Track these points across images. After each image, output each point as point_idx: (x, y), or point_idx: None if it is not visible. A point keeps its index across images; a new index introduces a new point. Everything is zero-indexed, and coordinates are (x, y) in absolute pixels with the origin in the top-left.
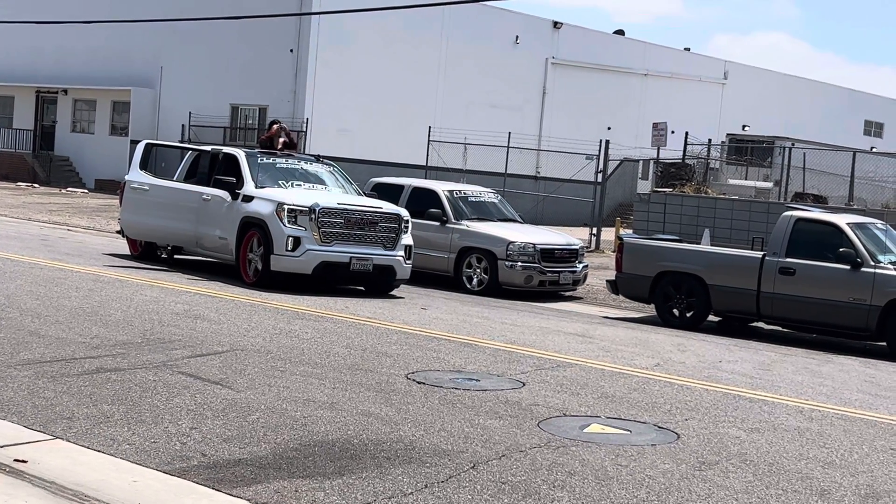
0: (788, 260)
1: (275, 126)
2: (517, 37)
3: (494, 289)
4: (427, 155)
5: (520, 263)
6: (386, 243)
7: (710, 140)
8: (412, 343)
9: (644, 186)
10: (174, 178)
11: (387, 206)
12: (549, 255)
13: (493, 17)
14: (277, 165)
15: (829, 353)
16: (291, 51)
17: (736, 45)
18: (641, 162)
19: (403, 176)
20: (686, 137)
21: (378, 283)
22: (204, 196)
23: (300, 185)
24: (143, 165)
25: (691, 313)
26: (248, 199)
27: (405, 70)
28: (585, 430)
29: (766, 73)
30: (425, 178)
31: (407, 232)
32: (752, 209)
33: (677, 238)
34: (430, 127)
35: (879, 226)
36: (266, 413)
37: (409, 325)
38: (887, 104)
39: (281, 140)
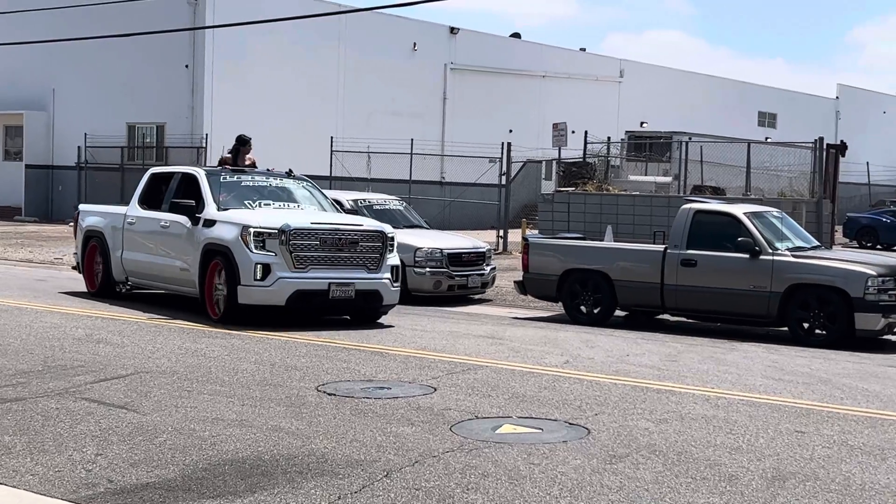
0: (689, 252)
1: (247, 144)
2: (415, 44)
3: (404, 295)
4: (331, 165)
5: (428, 269)
6: (369, 265)
7: (609, 138)
8: (321, 355)
9: (548, 187)
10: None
11: (368, 223)
12: (456, 259)
13: (390, 25)
14: (243, 183)
15: (734, 341)
16: (187, 66)
17: (631, 43)
18: (544, 162)
19: None
20: (586, 136)
21: (363, 310)
22: (162, 223)
23: (269, 205)
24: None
25: (598, 310)
26: (210, 223)
27: (304, 81)
28: (497, 431)
29: (662, 69)
30: (329, 188)
31: (393, 251)
32: (653, 204)
33: (581, 236)
34: (332, 137)
35: (776, 214)
36: (173, 434)
37: (318, 338)
38: (779, 95)
39: (248, 157)
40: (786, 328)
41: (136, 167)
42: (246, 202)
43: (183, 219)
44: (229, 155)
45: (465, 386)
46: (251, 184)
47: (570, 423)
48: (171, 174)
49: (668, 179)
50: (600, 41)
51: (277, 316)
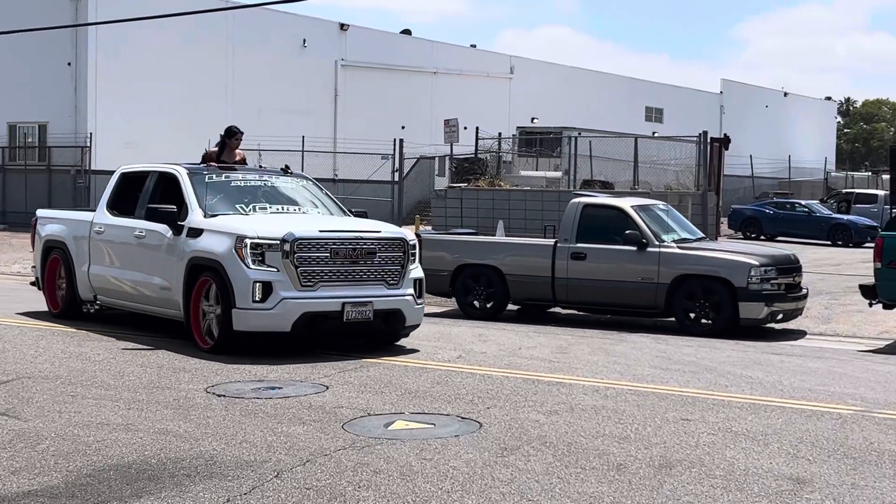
0: (579, 245)
1: (236, 137)
2: (304, 40)
3: None
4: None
5: None
6: (389, 279)
7: (500, 134)
8: (210, 356)
9: (441, 183)
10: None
11: (386, 229)
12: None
13: (280, 22)
14: (233, 184)
15: (623, 333)
16: (69, 64)
17: (521, 40)
18: (437, 159)
19: None
20: (477, 132)
21: (382, 332)
22: (136, 232)
23: (265, 209)
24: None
25: (491, 304)
26: (196, 232)
27: (193, 78)
28: (390, 428)
29: (551, 66)
30: None
31: (415, 261)
32: (545, 199)
33: (474, 231)
34: (221, 135)
35: (661, 207)
36: (57, 440)
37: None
38: (665, 90)
39: (237, 152)
40: (673, 318)
41: (17, 168)
42: (238, 206)
43: (162, 227)
44: (215, 149)
45: (357, 383)
46: (242, 184)
47: (462, 418)
48: (146, 173)
49: (559, 174)
50: (492, 38)
51: (281, 344)
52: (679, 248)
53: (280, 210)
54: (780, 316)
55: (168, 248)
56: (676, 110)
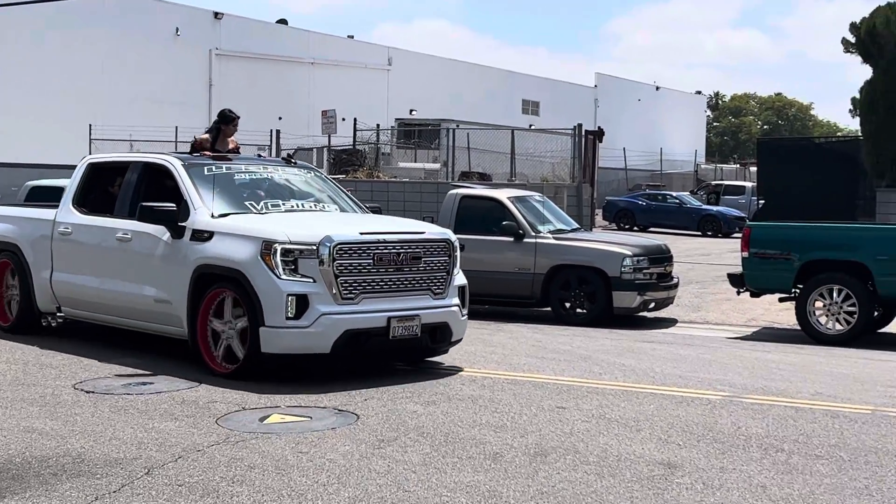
0: (458, 236)
1: (233, 122)
2: (177, 29)
3: None
4: (90, 153)
5: None
6: (435, 287)
7: (378, 125)
8: (78, 351)
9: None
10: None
11: (430, 229)
12: None
13: (152, 9)
14: (237, 177)
15: (501, 323)
16: None
17: (400, 32)
18: (315, 150)
19: (66, 178)
20: (355, 124)
21: (425, 350)
22: (119, 234)
23: (278, 206)
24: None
25: None
26: (204, 235)
27: (61, 66)
28: (265, 422)
29: (430, 58)
30: None
31: (457, 265)
32: (423, 190)
33: None
34: (90, 125)
35: (537, 198)
36: None
37: (83, 333)
38: (542, 83)
39: (231, 140)
40: (549, 308)
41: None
42: (248, 204)
43: (157, 229)
44: (206, 136)
45: (232, 377)
46: (247, 177)
47: (339, 410)
48: (123, 165)
49: (437, 166)
50: (370, 30)
51: (317, 365)
52: (555, 238)
53: (295, 207)
54: (652, 304)
55: (165, 253)
56: (553, 103)
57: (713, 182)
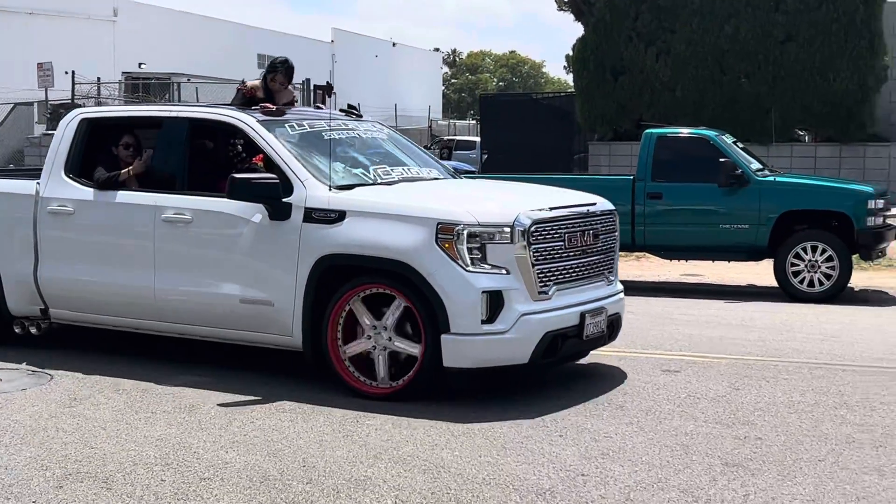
0: None
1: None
2: None
3: None
4: None
5: None
6: (608, 271)
7: (99, 79)
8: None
9: (41, 130)
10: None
11: (600, 200)
12: None
13: None
14: (325, 136)
15: None
16: None
17: None
18: (37, 104)
19: None
20: (73, 77)
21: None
22: (170, 214)
23: (389, 174)
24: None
25: None
26: (329, 216)
27: None
28: None
29: (159, 10)
30: None
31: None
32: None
33: None
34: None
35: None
36: None
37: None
38: (278, 38)
39: (289, 90)
40: None
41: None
42: (358, 172)
43: (238, 207)
44: (257, 82)
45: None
46: (330, 136)
47: (32, 371)
48: (153, 121)
49: None
50: None
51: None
52: None
53: (408, 175)
54: None
55: (257, 239)
56: (289, 58)
57: (446, 137)
